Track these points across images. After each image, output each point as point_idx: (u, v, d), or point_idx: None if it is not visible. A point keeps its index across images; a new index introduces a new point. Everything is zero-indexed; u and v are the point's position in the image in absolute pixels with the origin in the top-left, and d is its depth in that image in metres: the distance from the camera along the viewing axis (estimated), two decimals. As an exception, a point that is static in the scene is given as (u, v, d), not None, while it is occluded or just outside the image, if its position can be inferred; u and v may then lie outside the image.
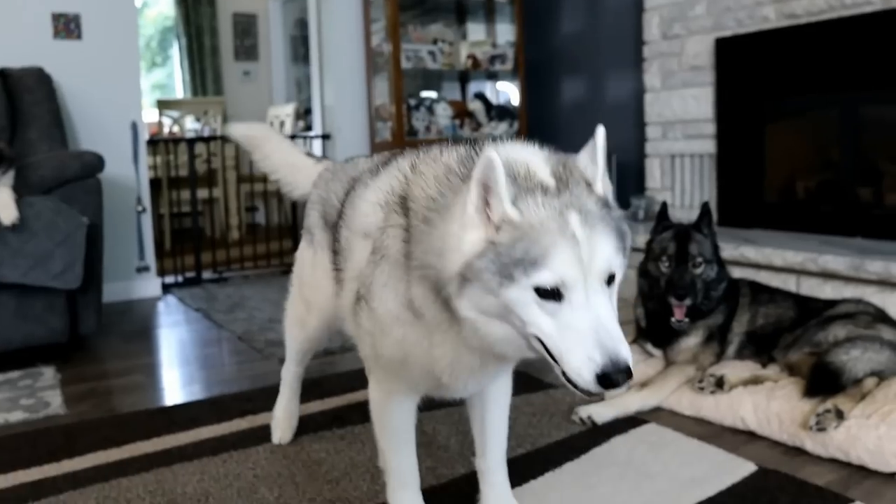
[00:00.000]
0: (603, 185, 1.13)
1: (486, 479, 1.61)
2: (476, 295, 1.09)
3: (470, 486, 1.72)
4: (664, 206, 2.53)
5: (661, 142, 3.97)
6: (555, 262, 1.04)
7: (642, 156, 4.10)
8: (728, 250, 3.00)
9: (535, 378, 2.54)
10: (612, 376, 1.02)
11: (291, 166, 2.07)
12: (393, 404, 1.46)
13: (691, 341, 2.37)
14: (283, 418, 2.12)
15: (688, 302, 2.31)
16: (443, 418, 2.17)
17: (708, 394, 2.16)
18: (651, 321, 2.46)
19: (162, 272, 4.45)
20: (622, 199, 4.30)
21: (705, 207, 2.40)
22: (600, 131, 1.13)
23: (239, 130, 2.16)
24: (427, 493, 1.72)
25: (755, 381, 2.19)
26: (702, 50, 3.68)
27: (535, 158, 1.15)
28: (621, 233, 1.11)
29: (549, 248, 1.04)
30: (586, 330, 1.04)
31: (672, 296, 2.31)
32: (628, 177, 4.34)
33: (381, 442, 1.53)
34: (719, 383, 2.16)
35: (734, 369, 2.28)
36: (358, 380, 2.32)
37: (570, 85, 4.78)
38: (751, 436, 2.05)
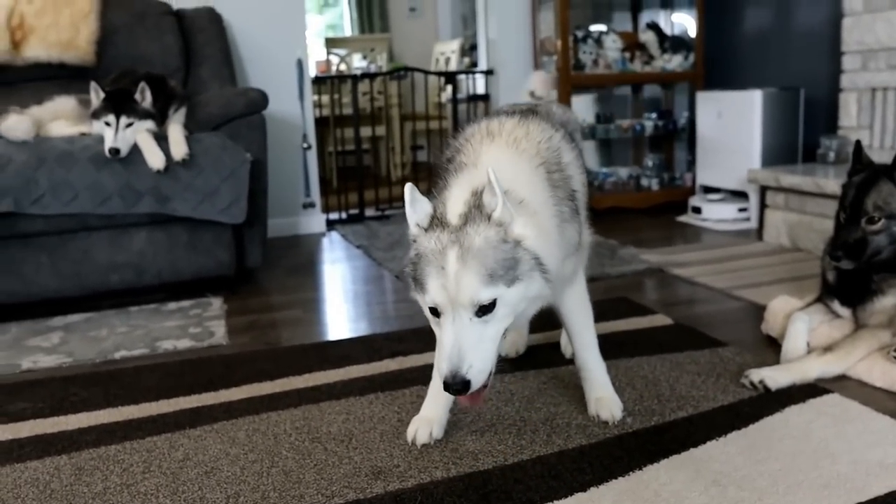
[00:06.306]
0: (503, 213, 1.35)
1: (583, 375, 1.83)
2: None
3: (623, 450, 1.59)
4: (857, 144, 2.20)
5: (859, 73, 3.51)
6: (430, 289, 1.35)
7: (836, 90, 3.65)
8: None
9: (700, 333, 2.33)
10: (451, 386, 1.33)
11: None
12: None
13: (888, 301, 2.06)
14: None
15: (845, 265, 2.04)
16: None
17: (906, 364, 1.87)
18: (840, 276, 2.17)
19: (327, 209, 4.55)
20: (810, 139, 3.88)
21: None
22: (491, 173, 1.34)
23: None
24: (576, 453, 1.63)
25: (966, 352, 1.87)
26: (917, -35, 3.17)
27: (460, 193, 1.42)
28: (507, 263, 1.34)
29: (427, 279, 1.36)
30: (444, 346, 1.35)
31: (827, 254, 2.07)
32: (818, 114, 3.90)
33: None
34: (920, 353, 1.87)
35: (940, 337, 1.97)
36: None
37: (755, 11, 4.33)
38: (958, 416, 1.75)
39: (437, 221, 1.40)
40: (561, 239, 1.51)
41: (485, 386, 1.38)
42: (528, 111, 1.73)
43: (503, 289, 1.34)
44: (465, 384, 1.32)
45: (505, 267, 1.34)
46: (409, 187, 1.42)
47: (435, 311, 1.38)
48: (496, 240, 1.35)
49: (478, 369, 1.34)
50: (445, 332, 1.35)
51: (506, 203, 1.36)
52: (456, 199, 1.43)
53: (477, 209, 1.38)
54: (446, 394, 1.74)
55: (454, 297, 1.33)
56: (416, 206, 1.43)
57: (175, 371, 2.24)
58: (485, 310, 1.34)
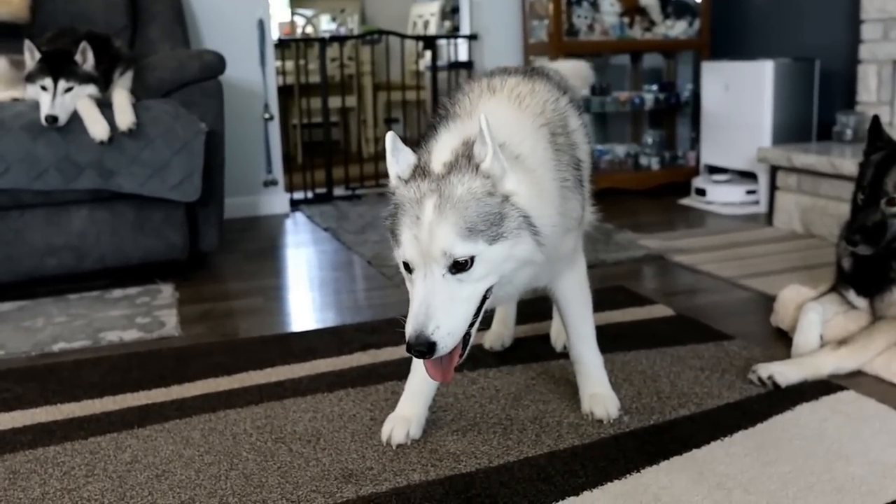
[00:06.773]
0: (493, 163, 1.36)
1: (578, 369, 1.86)
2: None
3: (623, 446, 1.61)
4: (875, 120, 2.23)
5: (880, 44, 3.55)
6: (402, 241, 1.38)
7: (854, 61, 3.69)
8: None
9: (704, 325, 2.36)
10: (413, 346, 1.33)
11: None
12: None
13: (908, 291, 2.11)
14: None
15: (863, 251, 2.07)
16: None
17: (927, 358, 1.91)
18: (857, 263, 2.21)
19: (291, 187, 4.53)
20: (826, 115, 3.92)
21: None
22: (483, 120, 1.36)
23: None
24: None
25: None
26: (945, -76, 3.21)
27: (449, 142, 1.45)
28: (490, 218, 1.35)
29: (402, 228, 1.38)
30: (413, 303, 1.36)
31: (843, 239, 2.12)
32: (834, 88, 3.94)
33: None
34: (943, 346, 1.91)
35: (964, 330, 2.01)
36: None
37: (767, -27, 4.36)
38: (982, 414, 1.80)
39: (419, 171, 1.42)
40: (561, 204, 1.51)
41: (458, 356, 1.40)
42: (533, 70, 1.75)
43: (483, 245, 1.35)
44: (430, 346, 1.33)
45: (487, 222, 1.35)
46: (390, 135, 1.44)
47: (406, 265, 1.40)
48: (481, 192, 1.36)
49: (446, 331, 1.34)
50: (416, 289, 1.37)
51: (497, 154, 1.37)
52: (443, 148, 1.45)
53: (465, 158, 1.39)
54: (425, 391, 1.76)
55: (426, 250, 1.34)
56: (398, 156, 1.45)
57: (121, 365, 2.23)
58: (460, 267, 1.35)
